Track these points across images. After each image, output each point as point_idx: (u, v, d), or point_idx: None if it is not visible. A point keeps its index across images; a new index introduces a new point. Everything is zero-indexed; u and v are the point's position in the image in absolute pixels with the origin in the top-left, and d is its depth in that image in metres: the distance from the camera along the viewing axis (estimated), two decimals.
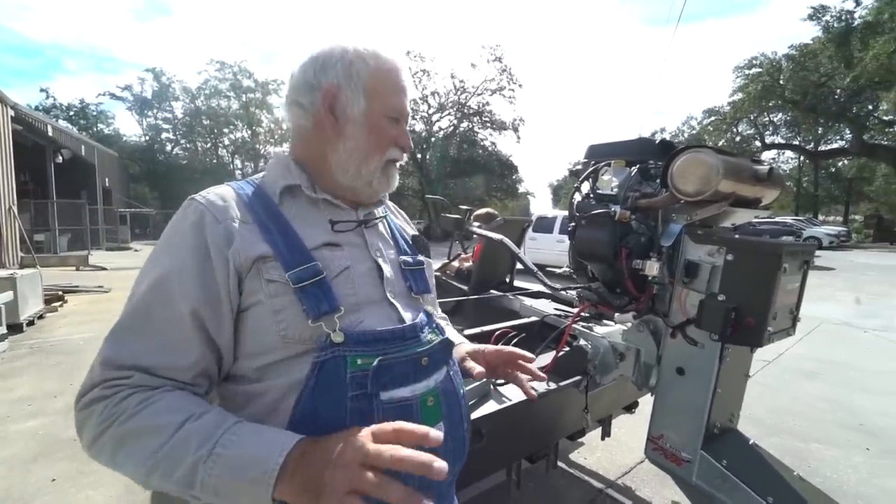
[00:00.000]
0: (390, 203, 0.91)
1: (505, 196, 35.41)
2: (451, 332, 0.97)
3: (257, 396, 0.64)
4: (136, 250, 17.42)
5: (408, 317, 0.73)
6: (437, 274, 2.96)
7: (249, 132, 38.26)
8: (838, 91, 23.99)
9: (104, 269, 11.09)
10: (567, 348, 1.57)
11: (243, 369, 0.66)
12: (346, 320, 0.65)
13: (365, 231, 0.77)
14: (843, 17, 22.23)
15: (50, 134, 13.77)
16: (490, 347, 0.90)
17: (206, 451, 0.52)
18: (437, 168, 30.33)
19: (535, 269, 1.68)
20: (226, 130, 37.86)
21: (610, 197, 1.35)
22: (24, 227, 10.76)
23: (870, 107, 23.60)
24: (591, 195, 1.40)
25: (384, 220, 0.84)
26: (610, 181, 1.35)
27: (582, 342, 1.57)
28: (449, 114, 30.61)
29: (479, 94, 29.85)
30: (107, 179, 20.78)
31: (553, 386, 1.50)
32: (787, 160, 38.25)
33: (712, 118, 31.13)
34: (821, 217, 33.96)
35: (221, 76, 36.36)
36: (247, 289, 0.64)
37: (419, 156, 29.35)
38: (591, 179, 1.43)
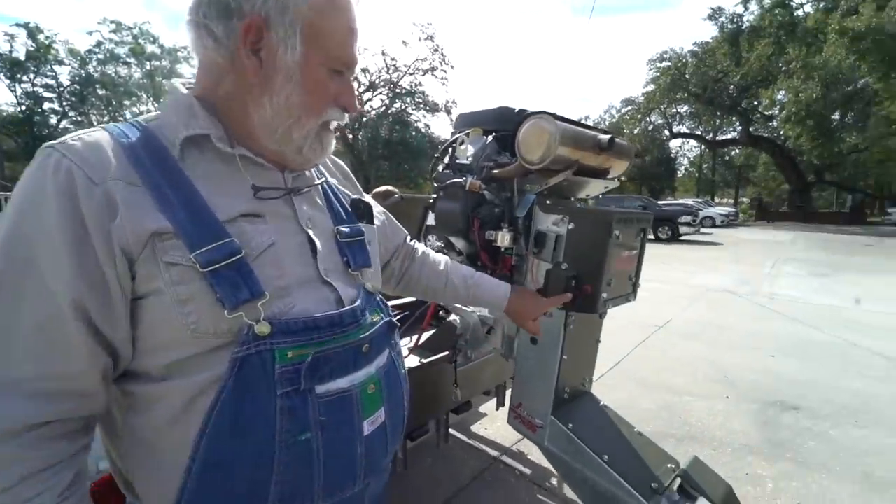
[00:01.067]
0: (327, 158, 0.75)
1: None
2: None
3: (162, 398, 0.52)
4: None
5: (347, 297, 0.63)
6: None
7: (155, 105, 34.00)
8: (731, 87, 26.98)
9: None
10: (436, 324, 1.53)
11: (144, 366, 0.54)
12: (272, 307, 0.54)
13: (294, 197, 0.63)
14: (734, 20, 24.86)
15: None
16: None
17: None
18: (369, 149, 29.46)
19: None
20: (127, 102, 33.28)
21: (467, 167, 1.31)
22: None
23: (755, 102, 26.87)
24: (451, 166, 1.35)
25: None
26: (466, 150, 1.31)
27: (452, 317, 1.55)
28: (381, 93, 29.69)
29: (411, 74, 29.22)
30: None
31: (418, 362, 1.47)
32: (692, 148, 42.69)
33: (629, 107, 33.55)
34: (717, 199, 38.42)
35: (119, 38, 31.67)
36: (141, 273, 0.50)
37: (350, 136, 28.24)
38: (451, 150, 1.37)
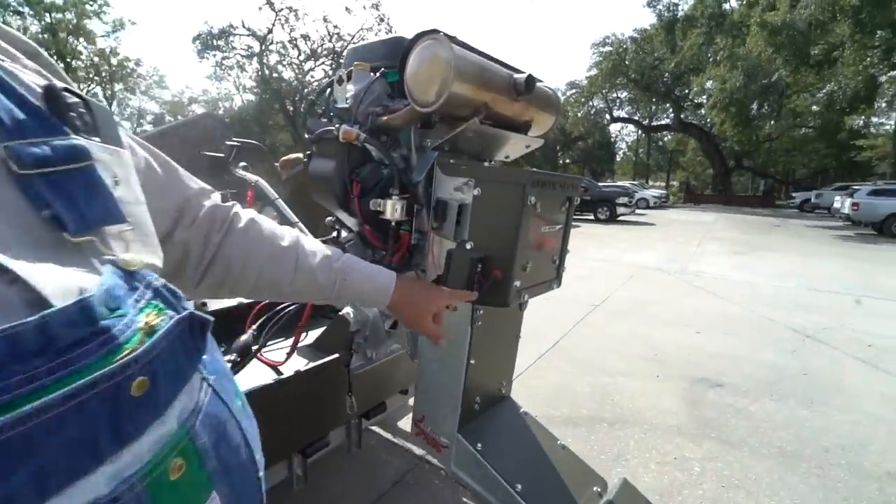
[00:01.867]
0: None
1: None
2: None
3: None
4: None
5: (56, 290, 0.28)
6: None
7: (62, 65, 29.26)
8: (666, 74, 28.36)
9: None
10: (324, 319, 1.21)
11: None
12: None
13: None
14: (671, 8, 25.93)
15: None
16: None
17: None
18: None
19: (295, 219, 1.26)
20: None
21: (346, 113, 0.98)
22: None
23: (686, 91, 28.53)
24: (329, 112, 1.01)
25: None
26: (345, 90, 0.97)
27: (345, 310, 1.23)
28: (323, 63, 27.77)
29: (355, 44, 27.56)
30: None
31: (304, 366, 1.16)
32: (630, 133, 44.86)
33: (573, 91, 34.29)
34: (650, 182, 40.90)
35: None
36: None
37: (291, 109, 26.31)
38: (329, 93, 1.03)
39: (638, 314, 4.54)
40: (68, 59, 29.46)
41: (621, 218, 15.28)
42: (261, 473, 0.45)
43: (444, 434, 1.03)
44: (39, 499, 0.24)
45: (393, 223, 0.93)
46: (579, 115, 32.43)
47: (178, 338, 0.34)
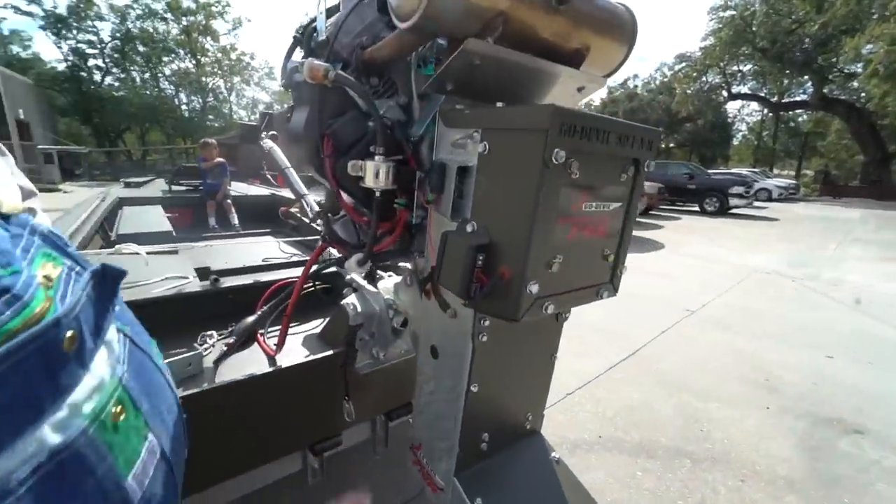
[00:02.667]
0: None
1: None
2: None
3: None
4: (65, 192, 15.59)
5: None
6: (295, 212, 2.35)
7: (193, 62, 34.16)
8: (807, 40, 23.54)
9: None
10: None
11: None
12: None
13: None
14: None
15: None
16: None
17: None
18: None
19: (305, 191, 1.09)
20: (166, 59, 33.61)
21: (324, 48, 0.75)
22: None
23: (834, 59, 23.41)
24: (310, 49, 0.79)
25: None
26: (323, 20, 0.74)
27: (348, 301, 1.04)
28: None
29: None
30: (21, 111, 18.08)
31: (300, 359, 1.01)
32: (752, 112, 38.60)
33: (683, 64, 30.28)
34: (776, 171, 34.84)
35: None
36: None
37: None
38: (313, 29, 0.80)
39: (745, 327, 3.76)
40: (198, 57, 34.06)
41: (734, 211, 13.19)
42: (184, 416, 0.51)
43: (440, 474, 0.79)
44: (81, 369, 0.29)
45: (377, 193, 0.69)
46: (689, 91, 28.56)
47: (95, 291, 0.36)
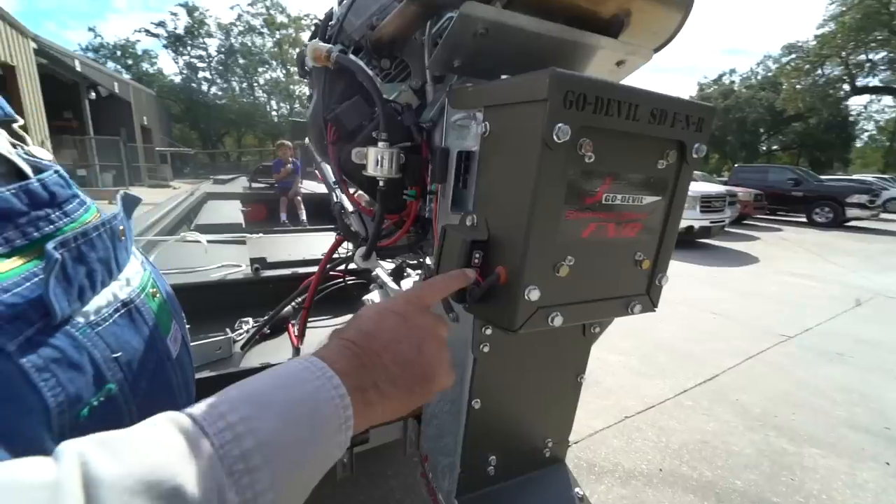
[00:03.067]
0: None
1: None
2: None
3: None
4: (174, 188, 18.07)
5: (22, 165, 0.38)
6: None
7: (284, 72, 37.58)
8: None
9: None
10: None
11: None
12: None
13: None
14: None
15: (78, 69, 13.89)
16: None
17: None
18: None
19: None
20: (261, 69, 37.44)
21: (342, 32, 0.71)
22: (65, 162, 11.16)
23: None
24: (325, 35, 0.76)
25: None
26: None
27: (369, 297, 1.01)
28: None
29: None
30: (145, 118, 21.27)
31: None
32: (883, 108, 32.70)
33: (792, 56, 26.60)
34: None
35: (254, 11, 35.38)
36: None
37: None
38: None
39: (860, 360, 3.14)
40: (288, 66, 37.29)
41: (852, 223, 11.26)
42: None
43: (442, 493, 0.72)
44: (92, 290, 0.38)
45: (381, 183, 0.64)
46: (799, 86, 25.01)
47: (123, 207, 0.48)
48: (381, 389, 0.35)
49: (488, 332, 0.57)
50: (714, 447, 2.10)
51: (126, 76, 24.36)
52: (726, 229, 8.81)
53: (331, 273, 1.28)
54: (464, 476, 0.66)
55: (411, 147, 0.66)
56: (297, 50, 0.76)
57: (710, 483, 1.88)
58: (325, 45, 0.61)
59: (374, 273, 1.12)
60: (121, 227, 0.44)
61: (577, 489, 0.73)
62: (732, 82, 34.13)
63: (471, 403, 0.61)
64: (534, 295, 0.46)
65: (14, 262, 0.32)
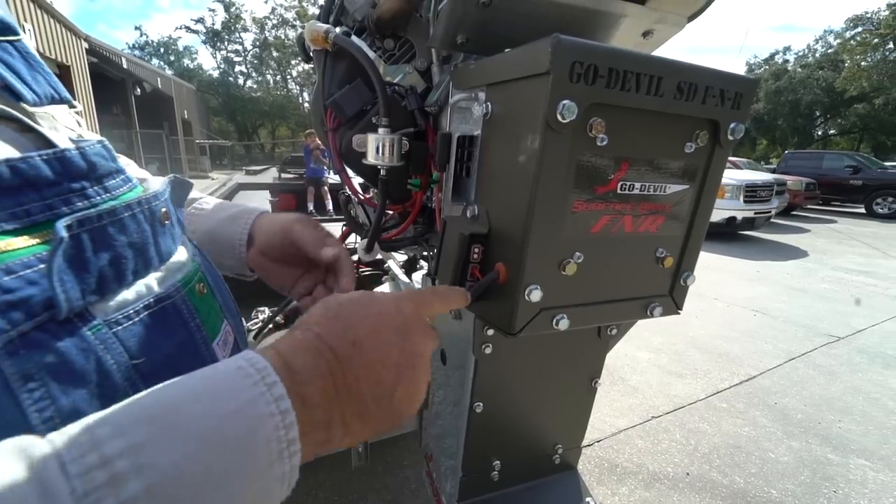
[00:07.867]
0: None
1: None
2: None
3: None
4: (212, 178, 18.86)
5: (58, 139, 0.32)
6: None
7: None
8: None
9: None
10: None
11: None
12: None
13: None
14: None
15: (125, 66, 14.60)
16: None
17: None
18: None
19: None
20: (293, 62, 38.15)
21: (346, 14, 0.67)
22: None
23: None
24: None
25: None
26: None
27: (380, 289, 0.98)
28: None
29: None
30: (185, 112, 22.19)
31: None
32: None
33: (859, 29, 24.31)
34: None
35: (287, 4, 35.97)
36: None
37: None
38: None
39: None
40: None
41: None
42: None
43: (445, 495, 0.69)
44: (118, 282, 0.32)
45: (382, 171, 0.61)
46: (864, 63, 22.87)
47: (173, 191, 0.42)
48: (347, 425, 0.29)
49: (490, 332, 0.53)
50: (748, 453, 1.98)
51: (168, 72, 25.46)
52: (773, 220, 8.27)
53: None
54: (465, 479, 0.63)
55: (416, 133, 0.62)
56: (297, 33, 0.73)
57: (742, 491, 1.77)
58: (323, 25, 0.57)
59: (386, 265, 1.10)
60: (163, 210, 0.37)
61: (588, 499, 0.68)
62: (786, 61, 31.72)
63: (472, 406, 0.57)
64: (535, 295, 0.41)
65: (28, 240, 0.27)
